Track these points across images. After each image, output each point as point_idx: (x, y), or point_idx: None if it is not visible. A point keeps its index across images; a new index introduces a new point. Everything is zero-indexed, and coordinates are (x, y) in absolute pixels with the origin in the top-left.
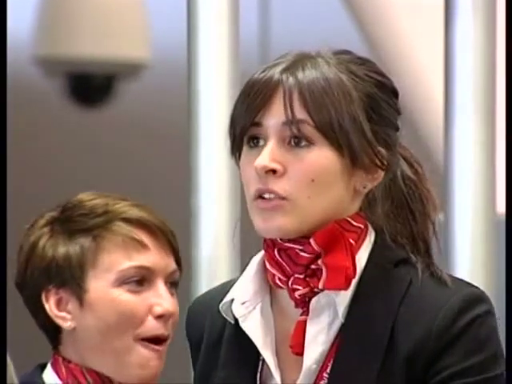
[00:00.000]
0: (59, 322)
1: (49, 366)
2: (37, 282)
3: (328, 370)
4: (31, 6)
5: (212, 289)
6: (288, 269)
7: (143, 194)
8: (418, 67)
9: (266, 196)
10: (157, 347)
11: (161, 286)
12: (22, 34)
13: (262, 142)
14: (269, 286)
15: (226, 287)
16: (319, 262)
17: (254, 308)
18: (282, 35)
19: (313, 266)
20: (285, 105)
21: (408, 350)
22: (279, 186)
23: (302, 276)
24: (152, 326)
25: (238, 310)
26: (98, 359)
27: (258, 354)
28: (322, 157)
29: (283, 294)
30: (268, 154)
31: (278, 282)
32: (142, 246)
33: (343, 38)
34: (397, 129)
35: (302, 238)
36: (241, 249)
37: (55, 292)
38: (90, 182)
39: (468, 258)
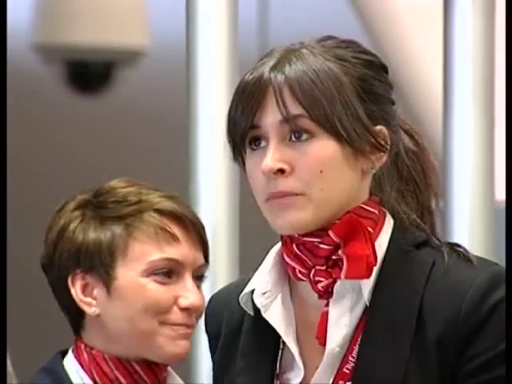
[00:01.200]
0: (84, 307)
1: (70, 353)
2: (64, 265)
3: (354, 354)
4: None
5: (229, 284)
6: (308, 261)
7: (142, 181)
8: (417, 56)
9: (278, 196)
10: (182, 328)
11: (188, 279)
12: (20, 21)
13: (263, 143)
14: (287, 278)
15: (243, 282)
16: (339, 252)
17: (275, 298)
18: (281, 22)
19: (333, 257)
20: (277, 103)
21: (437, 331)
22: (290, 185)
23: (323, 268)
24: (177, 316)
25: (260, 300)
26: (124, 344)
27: (277, 344)
28: (324, 147)
29: (303, 285)
30: (272, 155)
31: (298, 274)
32: (174, 238)
33: (341, 26)
34: (392, 103)
35: (320, 231)
36: (240, 235)
37: (82, 277)
38: (90, 168)
39: (466, 246)
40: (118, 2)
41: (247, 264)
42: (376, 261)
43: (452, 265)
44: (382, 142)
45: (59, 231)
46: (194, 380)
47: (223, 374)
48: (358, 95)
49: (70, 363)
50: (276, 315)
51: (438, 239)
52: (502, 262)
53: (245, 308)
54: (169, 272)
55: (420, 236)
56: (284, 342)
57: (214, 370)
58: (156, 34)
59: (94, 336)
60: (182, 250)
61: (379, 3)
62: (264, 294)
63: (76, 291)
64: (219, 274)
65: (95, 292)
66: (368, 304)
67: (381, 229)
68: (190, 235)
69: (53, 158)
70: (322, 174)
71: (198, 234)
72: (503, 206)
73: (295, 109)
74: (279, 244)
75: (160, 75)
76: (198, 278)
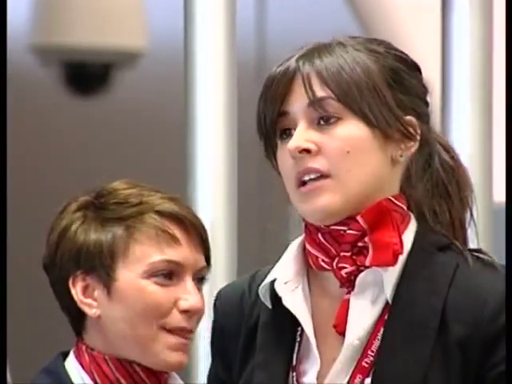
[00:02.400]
0: (85, 308)
1: (71, 354)
2: (65, 266)
3: (373, 348)
4: None
5: (235, 281)
6: (333, 250)
7: (140, 181)
8: (414, 54)
9: (307, 178)
10: (180, 339)
11: (189, 282)
12: (18, 22)
13: (294, 132)
14: (306, 270)
15: (253, 277)
16: (366, 239)
17: (296, 288)
18: (279, 22)
19: (359, 244)
20: (304, 87)
21: (460, 332)
22: (318, 162)
23: (348, 254)
24: (176, 319)
25: (281, 289)
26: (124, 347)
27: (293, 336)
28: (352, 129)
29: (324, 275)
30: (299, 135)
31: (322, 263)
32: (174, 240)
33: (339, 26)
34: (426, 103)
35: (347, 219)
36: (238, 235)
37: (83, 278)
38: (88, 169)
39: None
40: (115, 4)
41: (245, 263)
42: (402, 249)
43: (476, 269)
44: (411, 131)
45: (61, 232)
46: (193, 380)
47: (242, 371)
48: (387, 84)
49: (71, 364)
50: (297, 303)
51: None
52: (501, 262)
53: (263, 299)
54: (169, 274)
55: (443, 240)
56: (301, 335)
57: (214, 365)
58: (154, 35)
59: (94, 337)
60: (182, 252)
61: (376, 1)
62: (286, 283)
63: (77, 292)
64: (217, 273)
65: (96, 293)
66: (390, 300)
67: (406, 227)
68: (190, 237)
69: (51, 159)
70: (349, 154)
71: (199, 236)
72: (501, 207)
73: (322, 91)
74: (299, 238)
75: (158, 76)
76: (199, 280)
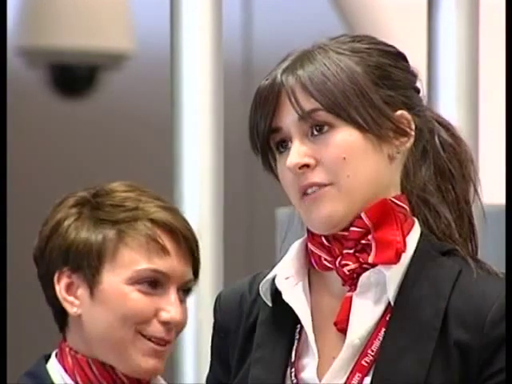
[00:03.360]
0: (66, 306)
1: (53, 357)
2: (53, 260)
3: (373, 348)
4: None
5: (238, 282)
6: (336, 250)
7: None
8: None
9: (310, 191)
10: (157, 346)
11: (173, 293)
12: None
13: (290, 144)
14: (307, 270)
15: (253, 279)
16: (369, 237)
17: (297, 284)
18: (265, 25)
19: (363, 242)
20: (291, 102)
21: (461, 336)
22: (318, 176)
23: (351, 251)
24: (155, 329)
25: (282, 284)
26: (101, 348)
27: (292, 333)
28: (345, 135)
29: (326, 274)
30: (296, 152)
31: (325, 262)
32: (164, 250)
33: (326, 27)
34: (416, 90)
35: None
36: (225, 244)
37: (68, 275)
38: (75, 171)
39: None
40: (102, 6)
41: (232, 266)
42: (405, 248)
43: (479, 275)
44: (404, 127)
45: (54, 225)
46: (179, 380)
47: (240, 369)
48: (373, 82)
49: (54, 367)
50: (297, 299)
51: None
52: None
53: (263, 297)
54: (154, 283)
55: (447, 245)
56: (300, 332)
57: (213, 367)
58: (140, 37)
59: (75, 336)
60: (170, 263)
61: (362, 2)
62: (287, 279)
63: (60, 289)
64: (203, 276)
65: (79, 292)
66: (392, 301)
67: (410, 229)
68: (181, 249)
69: (38, 161)
70: (346, 160)
71: (189, 248)
72: (490, 209)
73: (309, 104)
74: (301, 239)
75: (144, 78)
76: (184, 292)
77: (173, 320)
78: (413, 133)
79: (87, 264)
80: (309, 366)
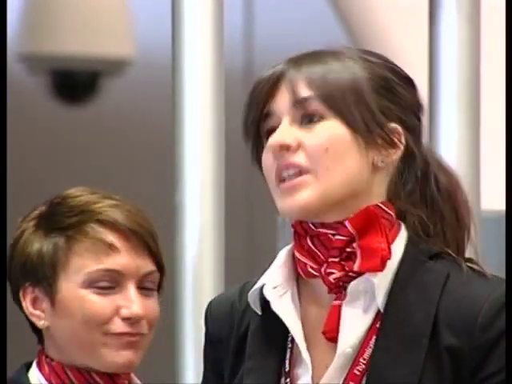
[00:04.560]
0: (34, 320)
1: (34, 365)
2: (17, 277)
3: (365, 356)
4: (15, 4)
5: (227, 290)
6: (321, 256)
7: (128, 190)
8: (402, 59)
9: (286, 175)
10: (128, 337)
11: (131, 289)
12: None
13: None
14: (295, 277)
15: (243, 287)
16: (354, 245)
17: (285, 293)
18: (267, 32)
19: (348, 249)
20: (287, 88)
21: (451, 340)
22: (297, 158)
23: (336, 259)
24: (119, 326)
25: (270, 294)
26: (74, 354)
27: (284, 342)
28: (332, 128)
29: (313, 283)
30: (281, 132)
31: (310, 270)
32: (112, 248)
33: (327, 31)
34: (417, 116)
35: (336, 223)
36: (226, 247)
37: (31, 290)
38: (76, 178)
39: None
40: (102, 12)
41: (233, 270)
42: (390, 255)
43: (468, 277)
44: (394, 139)
45: (14, 241)
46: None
47: (232, 379)
48: (374, 90)
49: (34, 375)
50: (285, 308)
51: (451, 253)
52: (489, 271)
53: (253, 307)
54: (110, 282)
55: (434, 248)
56: (292, 341)
57: (206, 375)
58: (141, 43)
59: (50, 345)
60: (121, 260)
61: (362, 4)
62: (274, 288)
63: (26, 304)
64: (204, 280)
65: (43, 305)
66: (381, 309)
67: (396, 235)
68: (131, 244)
69: (40, 167)
70: (328, 152)
71: (142, 242)
72: (488, 215)
73: (305, 92)
74: (289, 246)
75: (146, 84)
76: (147, 287)
77: (133, 315)
78: (402, 146)
79: (43, 276)
80: (303, 375)
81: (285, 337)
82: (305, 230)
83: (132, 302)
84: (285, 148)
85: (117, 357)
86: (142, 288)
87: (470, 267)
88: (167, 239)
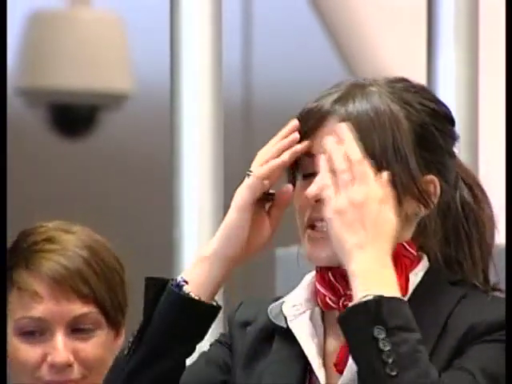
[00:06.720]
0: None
1: None
2: None
3: None
4: (14, 38)
5: (258, 298)
6: (341, 289)
7: (125, 224)
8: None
9: (319, 225)
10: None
11: (58, 336)
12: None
13: (317, 176)
14: (316, 300)
15: (270, 302)
16: None
17: (304, 312)
18: (265, 64)
19: None
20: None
21: (451, 349)
22: None
23: None
24: (44, 373)
25: (288, 311)
26: None
27: (305, 362)
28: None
29: (333, 314)
30: (319, 184)
31: (328, 301)
32: (36, 296)
33: (325, 66)
34: (451, 155)
35: None
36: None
37: None
38: (73, 211)
39: None
40: (102, 46)
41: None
42: (407, 292)
43: (483, 298)
44: (430, 192)
45: None
46: None
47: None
48: (414, 142)
49: None
50: (302, 326)
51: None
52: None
53: (273, 320)
54: (36, 329)
55: (456, 276)
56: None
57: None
58: (140, 77)
59: None
60: (45, 308)
61: (355, 24)
62: (294, 306)
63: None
64: None
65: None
66: None
67: (416, 266)
68: (55, 291)
69: (38, 200)
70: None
71: (69, 287)
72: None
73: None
74: (313, 272)
75: (144, 119)
76: (83, 328)
77: (57, 363)
78: (433, 205)
79: None
80: None
81: (305, 358)
82: (326, 267)
83: (56, 350)
84: (322, 201)
85: None
86: (78, 330)
87: (490, 292)
88: (164, 273)
